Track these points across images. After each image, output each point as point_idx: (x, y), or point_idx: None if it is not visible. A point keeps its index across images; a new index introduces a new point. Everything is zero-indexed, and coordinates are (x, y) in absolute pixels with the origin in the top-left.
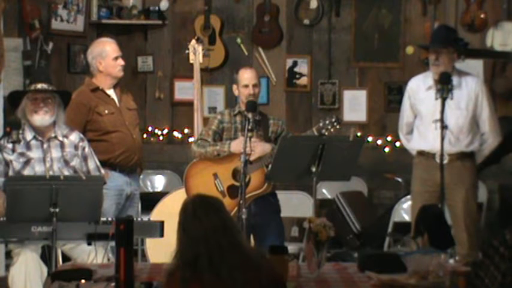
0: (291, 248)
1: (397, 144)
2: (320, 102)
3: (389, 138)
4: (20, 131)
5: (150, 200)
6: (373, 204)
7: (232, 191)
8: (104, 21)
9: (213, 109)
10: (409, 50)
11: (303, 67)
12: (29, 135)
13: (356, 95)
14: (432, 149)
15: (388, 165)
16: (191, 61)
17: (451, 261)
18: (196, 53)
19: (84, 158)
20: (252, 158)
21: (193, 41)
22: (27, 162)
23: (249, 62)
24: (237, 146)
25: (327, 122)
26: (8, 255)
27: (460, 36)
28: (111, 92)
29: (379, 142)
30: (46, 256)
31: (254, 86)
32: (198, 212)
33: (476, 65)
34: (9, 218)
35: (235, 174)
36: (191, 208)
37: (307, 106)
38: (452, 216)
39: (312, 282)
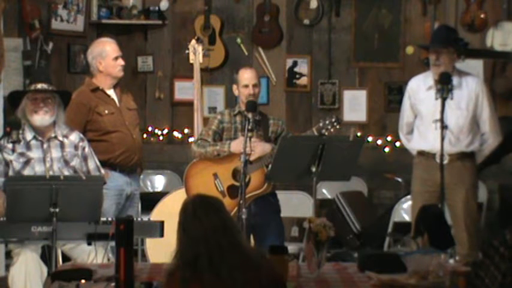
0: (291, 248)
1: (397, 144)
2: (320, 102)
3: (389, 138)
4: (20, 131)
5: (150, 200)
6: (373, 204)
7: (232, 191)
8: (104, 21)
9: (213, 109)
10: (409, 50)
11: (303, 67)
12: (29, 135)
13: (356, 95)
14: (432, 149)
15: (388, 165)
16: (191, 61)
17: (451, 261)
18: (196, 53)
19: (84, 158)
20: (252, 158)
21: (193, 41)
22: (27, 162)
23: (249, 62)
24: (237, 146)
25: (327, 122)
26: (8, 255)
27: (460, 36)
28: (111, 92)
29: (379, 142)
30: (46, 256)
31: (254, 86)
32: (198, 212)
33: (476, 65)
34: (9, 218)
35: (235, 174)
36: (191, 208)
37: (307, 106)
38: (453, 216)
39: (312, 282)
